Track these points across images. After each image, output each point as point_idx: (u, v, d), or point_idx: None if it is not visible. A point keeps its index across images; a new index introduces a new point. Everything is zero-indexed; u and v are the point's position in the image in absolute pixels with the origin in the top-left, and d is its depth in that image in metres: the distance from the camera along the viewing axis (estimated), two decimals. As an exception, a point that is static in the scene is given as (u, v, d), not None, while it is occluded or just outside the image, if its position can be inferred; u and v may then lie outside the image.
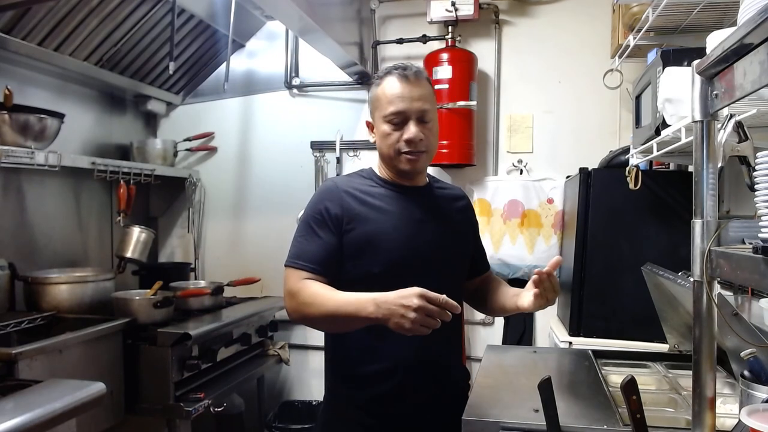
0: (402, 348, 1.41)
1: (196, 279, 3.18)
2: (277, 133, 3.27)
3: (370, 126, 1.51)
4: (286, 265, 1.43)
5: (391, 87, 1.42)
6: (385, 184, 1.50)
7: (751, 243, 0.83)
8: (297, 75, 3.24)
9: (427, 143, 1.44)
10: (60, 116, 2.34)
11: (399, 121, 1.41)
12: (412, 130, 1.40)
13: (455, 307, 1.19)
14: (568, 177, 2.84)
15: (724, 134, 1.00)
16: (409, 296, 1.18)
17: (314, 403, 3.04)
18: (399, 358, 1.42)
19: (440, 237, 1.49)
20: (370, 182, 1.51)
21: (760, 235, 0.81)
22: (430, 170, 2.97)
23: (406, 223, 1.45)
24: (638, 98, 2.00)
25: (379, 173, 1.53)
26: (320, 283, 1.38)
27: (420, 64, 2.92)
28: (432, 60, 2.87)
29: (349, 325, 1.35)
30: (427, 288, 1.28)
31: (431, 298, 1.18)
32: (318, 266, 1.40)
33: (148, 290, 2.44)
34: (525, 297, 1.43)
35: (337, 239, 1.41)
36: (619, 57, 2.30)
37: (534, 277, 1.37)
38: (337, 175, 3.15)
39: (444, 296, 1.18)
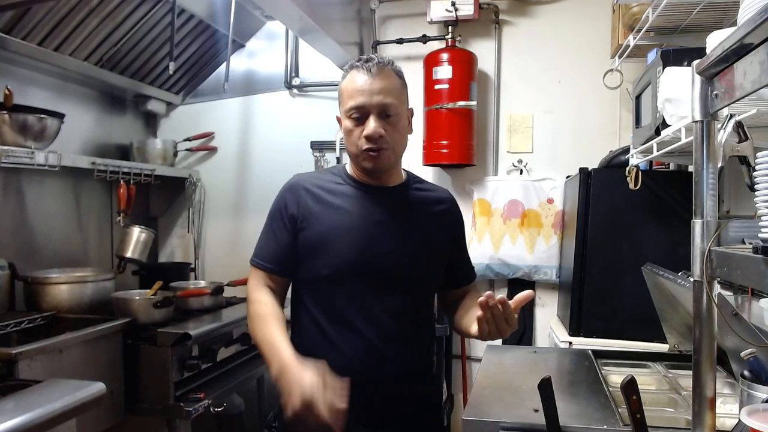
0: (348, 356, 1.34)
1: (196, 279, 3.18)
2: (277, 133, 3.27)
3: (339, 122, 1.42)
4: (250, 262, 1.46)
5: (352, 80, 1.35)
6: (351, 182, 1.43)
7: (751, 243, 0.83)
8: (297, 75, 3.24)
9: (389, 139, 1.34)
10: (60, 116, 2.34)
11: (359, 116, 1.33)
12: (371, 125, 1.32)
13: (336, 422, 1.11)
14: (568, 177, 2.84)
15: (724, 134, 1.00)
16: (296, 393, 1.13)
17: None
18: (346, 363, 1.31)
19: (405, 243, 1.39)
20: (337, 179, 1.45)
21: (760, 235, 0.81)
22: (429, 170, 3.00)
23: (365, 224, 1.37)
24: (638, 98, 2.00)
25: (349, 171, 1.46)
26: (271, 302, 1.39)
27: (420, 63, 2.93)
28: (432, 60, 2.87)
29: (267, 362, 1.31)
30: (384, 297, 1.32)
31: (315, 408, 1.11)
32: (274, 266, 1.41)
33: (148, 290, 2.44)
34: (473, 321, 1.27)
35: (291, 237, 1.40)
36: (619, 57, 2.30)
37: (480, 299, 1.19)
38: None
39: (334, 413, 1.11)
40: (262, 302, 1.39)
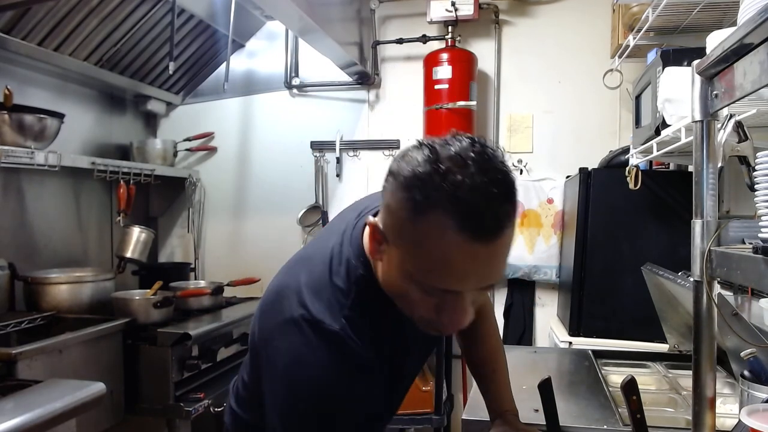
0: None
1: (196, 279, 3.18)
2: (277, 133, 3.27)
3: (376, 233, 0.84)
4: None
5: (446, 249, 0.75)
6: (387, 303, 0.89)
7: (751, 243, 0.83)
8: (297, 75, 3.24)
9: (475, 309, 0.87)
10: (60, 116, 2.34)
11: (440, 292, 0.81)
12: (458, 314, 0.83)
13: None
14: (568, 177, 2.84)
15: (724, 134, 1.00)
16: None
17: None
18: None
19: (429, 340, 1.13)
20: (374, 305, 0.90)
21: (760, 235, 0.81)
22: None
23: (404, 357, 1.02)
24: (638, 98, 2.00)
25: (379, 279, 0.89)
26: None
27: (419, 63, 2.92)
28: (432, 60, 2.86)
29: None
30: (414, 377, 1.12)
31: None
32: None
33: (148, 290, 2.44)
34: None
35: None
36: (619, 57, 2.30)
37: None
38: (337, 175, 3.15)
39: None
40: None
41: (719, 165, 0.94)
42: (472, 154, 0.75)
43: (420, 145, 0.79)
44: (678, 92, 1.49)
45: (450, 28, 2.90)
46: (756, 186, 0.85)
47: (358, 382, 0.87)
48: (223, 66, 3.08)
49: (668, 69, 1.55)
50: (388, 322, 0.91)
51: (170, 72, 2.88)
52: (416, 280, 0.80)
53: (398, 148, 3.05)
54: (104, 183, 2.85)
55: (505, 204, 0.75)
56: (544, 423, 1.21)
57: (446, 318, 0.82)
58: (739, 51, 0.79)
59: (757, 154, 0.87)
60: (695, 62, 0.93)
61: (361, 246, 0.90)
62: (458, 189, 0.72)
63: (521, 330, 2.95)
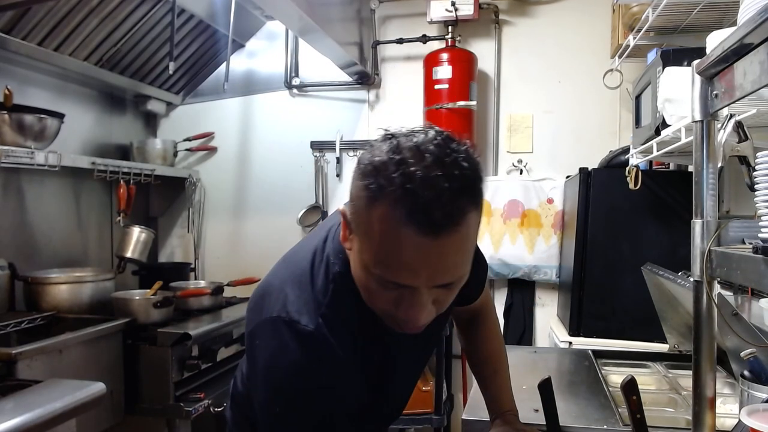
0: None
1: (196, 279, 3.18)
2: (277, 133, 3.27)
3: (345, 222, 0.84)
4: None
5: (391, 237, 0.73)
6: (372, 315, 0.88)
7: (751, 243, 0.83)
8: (297, 75, 3.24)
9: (439, 308, 0.84)
10: (60, 116, 2.34)
11: (395, 287, 0.79)
12: (415, 310, 0.80)
13: None
14: (568, 177, 2.84)
15: (724, 134, 1.00)
16: None
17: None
18: None
19: (434, 338, 1.11)
20: (360, 311, 0.88)
21: (760, 235, 0.81)
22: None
23: (388, 370, 1.00)
24: (638, 98, 2.00)
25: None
26: None
27: (419, 63, 2.92)
28: (432, 60, 2.86)
29: None
30: (405, 397, 1.12)
31: None
32: None
33: (148, 290, 2.44)
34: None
35: None
36: (619, 57, 2.30)
37: None
38: (337, 174, 3.15)
39: None
40: None
41: (719, 165, 0.94)
42: (432, 147, 0.73)
43: (387, 136, 0.78)
44: (678, 92, 1.49)
45: (450, 28, 2.90)
46: (756, 186, 0.85)
47: (334, 382, 0.86)
48: (223, 66, 3.08)
49: (668, 69, 1.55)
50: (367, 319, 0.89)
51: (170, 72, 2.88)
52: (372, 275, 0.78)
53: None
54: (104, 183, 2.85)
55: (459, 200, 0.72)
56: (544, 423, 1.21)
57: (403, 313, 0.80)
58: (739, 51, 0.79)
59: (757, 154, 0.87)
60: (695, 62, 0.93)
61: (341, 242, 0.87)
62: (410, 180, 0.71)
63: (521, 330, 2.95)
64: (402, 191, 0.70)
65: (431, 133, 0.76)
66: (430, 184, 0.70)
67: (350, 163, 3.16)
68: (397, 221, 0.71)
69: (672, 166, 2.42)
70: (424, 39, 2.96)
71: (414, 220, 0.70)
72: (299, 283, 0.89)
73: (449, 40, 2.91)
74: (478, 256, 1.12)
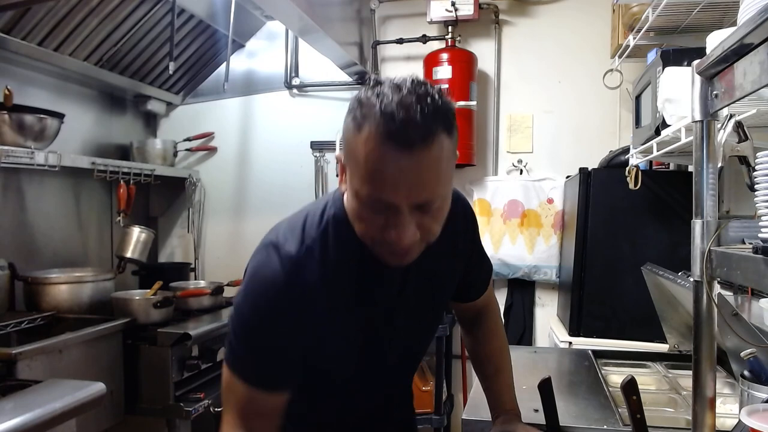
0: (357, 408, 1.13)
1: (196, 279, 3.18)
2: (277, 133, 3.27)
3: (340, 165, 0.93)
4: (229, 369, 0.97)
5: (374, 153, 0.81)
6: (361, 258, 0.96)
7: (751, 243, 0.83)
8: (297, 75, 3.24)
9: (424, 235, 0.89)
10: (60, 116, 2.34)
11: (383, 208, 0.85)
12: (399, 230, 0.86)
13: None
14: (568, 177, 2.84)
15: (724, 134, 1.00)
16: None
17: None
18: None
19: (426, 312, 1.11)
20: (341, 253, 0.96)
21: (760, 235, 0.80)
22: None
23: (377, 324, 1.04)
24: (638, 98, 2.00)
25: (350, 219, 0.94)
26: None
27: (419, 63, 2.92)
28: (432, 60, 2.86)
29: None
30: (393, 375, 1.12)
31: None
32: (275, 383, 0.97)
33: (148, 290, 2.44)
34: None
35: (298, 349, 0.98)
36: (619, 57, 2.30)
37: None
38: (337, 175, 3.15)
39: None
40: None
41: (719, 165, 0.94)
42: (408, 83, 0.83)
43: (371, 82, 0.88)
44: (678, 92, 1.49)
45: (450, 28, 2.90)
46: (756, 186, 0.85)
47: (303, 308, 0.93)
48: (223, 66, 3.08)
49: (668, 69, 1.55)
50: (354, 263, 0.96)
51: (170, 72, 2.88)
52: (361, 198, 0.86)
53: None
54: (104, 183, 2.85)
55: (432, 122, 0.81)
56: (544, 423, 1.21)
57: (390, 235, 0.86)
58: (739, 51, 0.79)
59: (757, 154, 0.87)
60: (695, 62, 0.93)
61: (341, 195, 0.97)
62: (388, 104, 0.80)
63: (521, 330, 2.95)
64: (381, 115, 0.81)
65: (409, 76, 0.86)
66: (405, 107, 0.80)
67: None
68: (378, 140, 0.81)
69: (672, 166, 2.42)
70: (424, 39, 2.96)
71: (392, 138, 0.80)
72: (296, 222, 0.99)
73: (449, 40, 2.91)
74: (483, 252, 1.24)
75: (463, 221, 1.12)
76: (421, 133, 0.81)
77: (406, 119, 0.80)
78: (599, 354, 1.89)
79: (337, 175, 0.99)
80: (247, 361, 0.96)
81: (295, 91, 3.26)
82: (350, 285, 0.98)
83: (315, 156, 3.18)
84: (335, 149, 3.14)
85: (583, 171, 2.38)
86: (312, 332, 0.96)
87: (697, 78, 0.92)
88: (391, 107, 0.80)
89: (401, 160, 0.81)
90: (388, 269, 0.96)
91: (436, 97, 0.84)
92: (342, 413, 1.12)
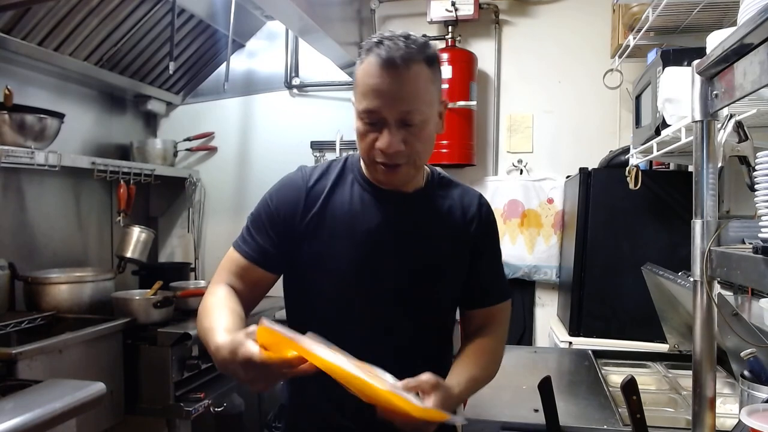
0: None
1: (196, 279, 3.18)
2: (277, 133, 3.27)
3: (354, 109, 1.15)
4: (233, 245, 1.25)
5: (367, 73, 1.05)
6: (363, 182, 1.18)
7: (751, 243, 0.83)
8: (297, 75, 3.24)
9: (409, 152, 1.07)
10: (60, 116, 2.34)
11: (374, 121, 1.06)
12: (386, 138, 1.05)
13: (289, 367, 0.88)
14: (568, 177, 2.84)
15: (724, 134, 1.00)
16: (233, 362, 0.92)
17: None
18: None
19: (414, 265, 1.16)
20: (347, 177, 1.20)
21: (760, 235, 0.80)
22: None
23: (370, 238, 1.15)
24: (638, 98, 2.00)
25: (363, 168, 1.19)
26: (227, 295, 1.14)
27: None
28: (432, 60, 2.86)
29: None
30: (389, 319, 1.13)
31: (257, 366, 0.88)
32: (260, 257, 1.17)
33: (148, 290, 2.44)
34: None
35: (285, 241, 1.17)
36: (619, 57, 2.30)
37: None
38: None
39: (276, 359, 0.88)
40: (216, 294, 1.15)
41: (719, 165, 0.94)
42: (400, 32, 1.08)
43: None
44: (678, 92, 1.49)
45: (450, 28, 2.90)
46: (756, 186, 0.85)
47: (305, 196, 1.17)
48: (223, 66, 3.08)
49: (668, 69, 1.55)
50: (359, 188, 1.18)
51: (170, 72, 2.88)
52: (359, 115, 1.08)
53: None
54: (104, 183, 2.85)
55: (412, 52, 1.05)
56: (544, 423, 1.21)
57: (380, 143, 1.06)
58: (739, 51, 0.79)
59: (757, 154, 0.87)
60: (695, 62, 0.93)
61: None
62: (381, 40, 1.06)
63: (521, 330, 2.95)
64: (374, 46, 1.06)
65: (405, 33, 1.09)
66: (392, 40, 1.05)
67: (350, 163, 3.16)
68: (369, 63, 1.05)
69: (672, 166, 2.42)
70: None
71: (379, 58, 1.04)
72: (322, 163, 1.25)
73: (449, 40, 2.91)
74: (499, 261, 1.28)
75: (478, 212, 1.22)
76: (401, 57, 1.03)
77: (390, 47, 1.04)
78: (599, 354, 1.89)
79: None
80: (241, 233, 1.25)
81: (295, 91, 3.26)
82: (352, 203, 1.16)
83: (315, 156, 3.18)
84: (335, 149, 3.14)
85: (583, 171, 2.38)
86: (307, 227, 1.15)
87: (697, 78, 0.92)
88: (382, 41, 1.06)
89: (385, 77, 1.03)
90: (387, 201, 1.16)
91: (420, 40, 1.08)
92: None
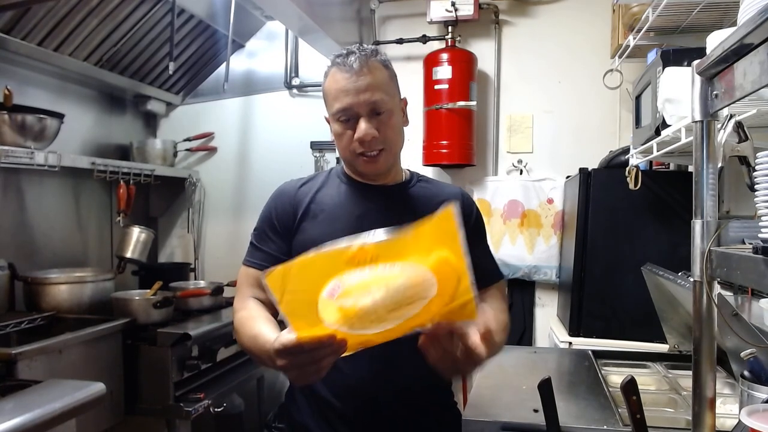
0: (361, 368, 1.22)
1: (195, 279, 3.18)
2: (277, 133, 3.27)
3: (329, 123, 1.32)
4: (243, 263, 1.35)
5: (334, 80, 1.24)
6: (347, 180, 1.35)
7: (751, 243, 0.83)
8: (297, 75, 3.24)
9: (384, 138, 1.24)
10: (60, 116, 2.34)
11: (348, 118, 1.23)
12: (362, 127, 1.21)
13: (329, 341, 0.87)
14: (568, 177, 2.84)
15: (724, 134, 1.00)
16: (272, 358, 0.96)
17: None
18: (357, 379, 1.24)
19: None
20: (331, 180, 1.37)
21: (760, 235, 0.80)
22: (429, 170, 2.99)
23: (362, 226, 1.15)
24: (638, 98, 2.00)
25: (346, 170, 1.37)
26: (256, 307, 1.24)
27: (419, 63, 2.92)
28: (432, 60, 2.86)
29: (267, 365, 1.11)
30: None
31: (293, 350, 0.90)
32: (268, 264, 1.23)
33: (148, 290, 2.44)
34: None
35: (287, 244, 1.30)
36: (619, 57, 2.30)
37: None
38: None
39: (313, 338, 0.87)
40: (246, 308, 1.26)
41: (719, 165, 0.94)
42: (353, 47, 1.27)
43: None
44: (678, 92, 1.49)
45: (450, 28, 2.90)
46: (756, 186, 0.85)
47: (300, 194, 1.33)
48: (223, 66, 3.08)
49: (668, 69, 1.55)
50: (345, 187, 1.33)
51: (170, 72, 2.88)
52: (335, 118, 1.25)
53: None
54: (104, 183, 2.85)
55: (370, 54, 1.25)
56: (544, 423, 1.21)
57: (357, 134, 1.22)
58: (739, 51, 0.79)
59: (757, 154, 0.87)
60: (695, 62, 0.93)
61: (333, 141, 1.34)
62: (340, 54, 1.25)
63: (521, 330, 2.95)
64: (335, 61, 1.26)
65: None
66: (347, 53, 1.25)
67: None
68: (333, 72, 1.25)
69: (672, 166, 2.41)
70: (424, 39, 2.96)
71: (339, 66, 1.24)
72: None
73: (449, 40, 2.90)
74: (486, 246, 1.41)
75: (462, 199, 1.35)
76: (358, 58, 1.22)
77: (347, 55, 1.24)
78: (599, 354, 1.89)
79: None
80: (248, 251, 1.36)
81: (295, 91, 3.26)
82: (339, 197, 1.31)
83: (315, 156, 3.18)
84: (335, 149, 3.13)
85: (583, 171, 2.38)
86: (300, 220, 1.29)
87: (697, 78, 0.92)
88: (338, 56, 1.25)
89: (349, 78, 1.22)
90: (371, 193, 1.30)
91: (370, 47, 1.28)
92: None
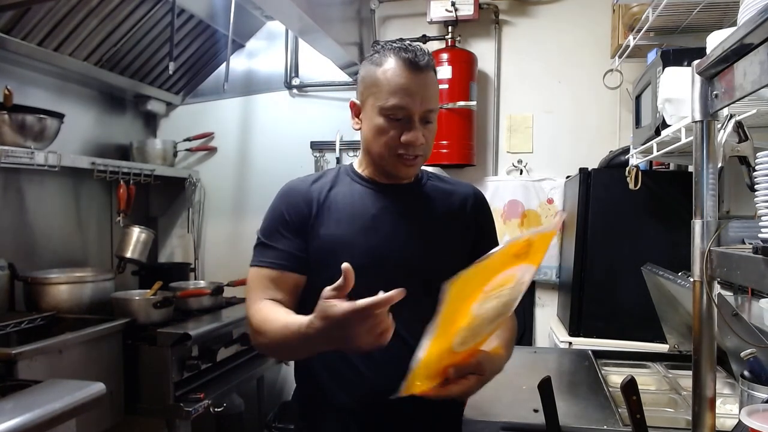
0: (378, 374, 1.19)
1: (196, 279, 3.18)
2: (277, 133, 3.27)
3: (356, 109, 1.28)
4: (250, 266, 1.27)
5: (396, 74, 1.18)
6: (359, 179, 1.30)
7: (751, 243, 0.83)
8: (297, 75, 3.24)
9: (426, 147, 1.23)
10: (60, 116, 2.34)
11: (400, 117, 1.18)
12: (413, 133, 1.18)
13: (393, 297, 0.92)
14: (568, 177, 2.84)
15: (724, 134, 1.00)
16: (316, 337, 0.98)
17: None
18: (375, 386, 1.18)
19: (422, 238, 1.26)
20: (341, 178, 1.31)
21: (760, 235, 0.80)
22: (429, 171, 2.99)
23: (381, 223, 1.24)
24: (638, 98, 2.00)
25: (356, 168, 1.33)
26: (275, 305, 1.18)
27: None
28: (432, 60, 2.86)
29: (301, 353, 1.17)
30: (409, 298, 1.04)
31: (363, 310, 0.93)
32: (287, 261, 1.22)
33: (148, 290, 2.44)
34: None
35: (302, 242, 1.24)
36: (619, 57, 2.30)
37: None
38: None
39: (378, 297, 0.92)
40: (263, 309, 1.19)
41: (719, 165, 0.94)
42: (409, 42, 1.24)
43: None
44: (678, 92, 1.49)
45: (450, 28, 2.90)
46: (756, 186, 0.85)
47: (309, 193, 1.27)
48: (223, 66, 3.08)
49: (668, 69, 1.55)
50: (352, 186, 1.29)
51: (170, 72, 2.88)
52: (384, 112, 1.19)
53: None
54: (104, 183, 2.85)
55: (431, 60, 1.22)
56: (544, 423, 1.21)
57: (405, 138, 1.19)
58: (739, 51, 0.79)
59: (757, 154, 0.87)
60: (695, 62, 0.93)
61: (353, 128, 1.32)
62: (399, 46, 1.21)
63: (521, 330, 2.95)
64: (398, 50, 1.20)
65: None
66: (411, 47, 1.21)
67: (350, 163, 3.16)
68: (399, 64, 1.19)
69: (672, 166, 2.42)
70: (424, 39, 2.96)
71: (407, 61, 1.18)
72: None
73: (449, 40, 2.91)
74: (495, 239, 1.40)
75: (473, 195, 1.36)
76: (425, 60, 1.20)
77: (415, 51, 1.19)
78: (599, 354, 1.89)
79: (353, 116, 1.31)
80: (256, 250, 1.28)
81: (295, 91, 3.26)
82: (353, 195, 1.27)
83: (315, 156, 3.18)
84: (335, 149, 3.14)
85: (583, 171, 2.38)
86: (316, 218, 1.24)
87: (697, 78, 0.92)
88: (403, 47, 1.20)
89: (415, 77, 1.18)
90: (386, 192, 1.27)
91: (428, 50, 1.24)
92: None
